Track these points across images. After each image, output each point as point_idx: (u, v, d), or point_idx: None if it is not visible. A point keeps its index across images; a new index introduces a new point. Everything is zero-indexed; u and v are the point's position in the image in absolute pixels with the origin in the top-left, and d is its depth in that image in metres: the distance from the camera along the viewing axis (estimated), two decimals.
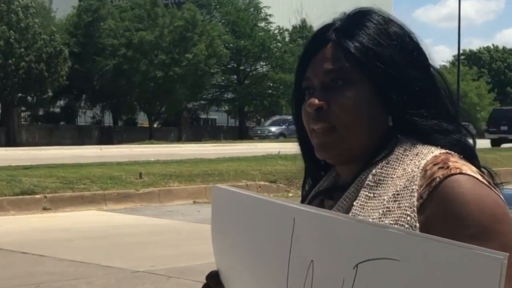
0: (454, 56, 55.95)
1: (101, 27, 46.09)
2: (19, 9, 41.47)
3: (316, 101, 1.49)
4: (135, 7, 48.21)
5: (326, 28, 1.56)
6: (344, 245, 1.24)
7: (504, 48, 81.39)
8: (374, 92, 1.48)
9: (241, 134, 52.26)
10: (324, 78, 1.50)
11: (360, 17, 1.55)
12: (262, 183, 17.59)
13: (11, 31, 40.39)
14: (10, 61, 40.22)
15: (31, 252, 10.00)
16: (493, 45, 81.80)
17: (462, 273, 1.10)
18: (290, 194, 16.61)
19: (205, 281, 1.58)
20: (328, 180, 1.62)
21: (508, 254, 1.09)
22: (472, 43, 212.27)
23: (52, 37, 42.16)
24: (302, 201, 1.70)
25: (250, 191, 1.51)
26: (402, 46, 1.51)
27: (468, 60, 77.27)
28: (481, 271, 1.09)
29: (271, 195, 16.82)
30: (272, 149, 23.18)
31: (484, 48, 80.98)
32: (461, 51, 56.99)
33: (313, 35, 1.59)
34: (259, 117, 57.80)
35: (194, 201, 15.57)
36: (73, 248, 10.44)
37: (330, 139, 1.49)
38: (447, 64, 71.85)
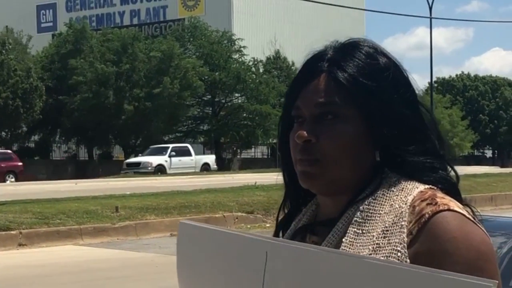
0: (428, 84, 56.46)
1: (72, 63, 46.03)
2: None
3: (305, 133, 1.48)
4: (116, 40, 48.20)
5: (318, 57, 1.56)
6: (321, 278, 1.22)
7: (476, 76, 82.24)
8: (364, 127, 1.48)
9: (217, 165, 52.19)
10: (315, 110, 1.50)
11: (353, 48, 1.54)
12: (239, 214, 17.55)
13: None
14: None
15: None
16: (462, 72, 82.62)
17: None
18: (267, 225, 16.58)
19: None
20: (308, 214, 1.60)
21: (497, 281, 1.09)
22: (442, 71, 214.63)
23: (29, 73, 42.04)
24: (276, 228, 1.69)
25: (219, 226, 1.49)
26: (393, 82, 1.51)
27: (442, 87, 77.96)
28: None
29: (248, 226, 16.79)
30: (249, 180, 23.17)
31: (457, 76, 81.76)
32: (433, 79, 57.51)
33: (306, 63, 1.58)
34: (235, 148, 57.80)
35: (171, 234, 15.49)
36: (50, 284, 10.34)
37: (314, 169, 1.48)
38: (420, 92, 72.34)
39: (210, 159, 45.55)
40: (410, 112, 1.51)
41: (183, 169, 40.45)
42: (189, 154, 42.93)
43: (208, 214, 17.00)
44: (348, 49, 1.55)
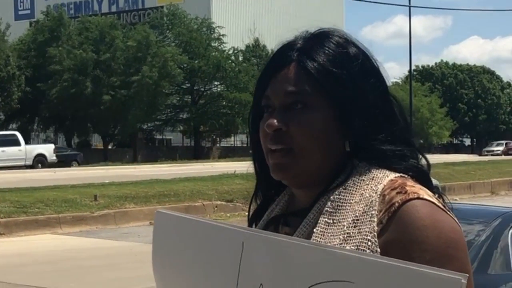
0: (407, 72, 56.76)
1: (50, 51, 45.74)
2: None
3: (275, 122, 1.48)
4: (95, 29, 48.01)
5: (288, 47, 1.56)
6: (296, 268, 1.22)
7: (454, 64, 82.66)
8: (334, 116, 1.48)
9: (196, 154, 52.16)
10: (284, 99, 1.49)
11: (322, 38, 1.54)
12: (219, 202, 17.56)
13: None
14: None
15: None
16: (442, 61, 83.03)
17: None
18: (247, 213, 16.60)
19: None
20: (280, 205, 1.60)
21: (467, 274, 1.10)
22: (421, 60, 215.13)
23: (7, 62, 41.73)
24: (250, 219, 1.69)
25: (195, 215, 1.48)
26: (362, 71, 1.50)
27: (421, 76, 78.32)
28: None
29: (228, 215, 16.81)
30: (228, 168, 23.18)
31: (436, 64, 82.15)
32: (412, 67, 57.72)
33: (275, 53, 1.58)
34: (214, 137, 57.76)
35: (150, 223, 15.48)
36: (28, 273, 10.29)
37: (286, 160, 1.48)
38: (399, 81, 72.74)
39: (47, 149, 37.55)
40: (380, 101, 1.51)
41: (8, 162, 34.51)
42: (17, 144, 35.90)
43: (188, 202, 17.00)
44: (317, 38, 1.55)
